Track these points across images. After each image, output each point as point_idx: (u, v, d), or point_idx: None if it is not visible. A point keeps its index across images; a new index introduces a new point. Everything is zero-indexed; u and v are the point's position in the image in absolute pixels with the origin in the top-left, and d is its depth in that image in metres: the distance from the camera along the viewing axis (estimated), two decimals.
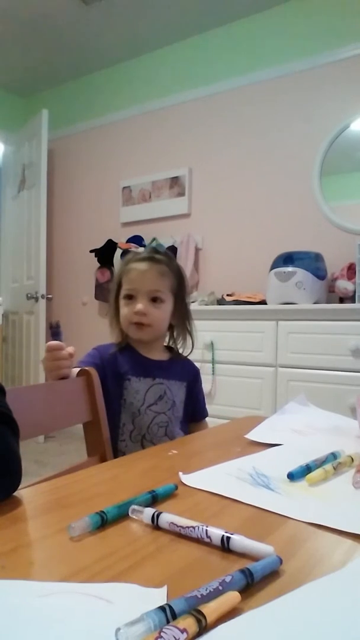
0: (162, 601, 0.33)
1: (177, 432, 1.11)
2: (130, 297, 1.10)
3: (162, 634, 0.29)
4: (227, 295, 2.64)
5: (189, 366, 1.21)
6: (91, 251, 3.41)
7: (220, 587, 0.34)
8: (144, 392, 1.09)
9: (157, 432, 1.09)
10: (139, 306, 1.07)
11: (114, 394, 1.08)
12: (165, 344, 1.21)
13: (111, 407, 1.07)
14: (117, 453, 1.07)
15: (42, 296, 3.34)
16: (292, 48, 2.74)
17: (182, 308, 1.16)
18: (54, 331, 0.98)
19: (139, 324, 1.09)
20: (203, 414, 1.23)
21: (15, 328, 3.63)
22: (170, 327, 1.18)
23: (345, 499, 0.57)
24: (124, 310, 1.11)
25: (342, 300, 2.37)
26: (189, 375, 1.19)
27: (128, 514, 0.49)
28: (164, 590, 0.36)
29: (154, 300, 1.09)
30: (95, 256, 3.39)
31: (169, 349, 1.20)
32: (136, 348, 1.15)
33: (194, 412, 1.19)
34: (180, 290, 1.15)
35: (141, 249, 3.10)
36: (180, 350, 1.20)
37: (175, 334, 1.19)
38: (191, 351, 1.20)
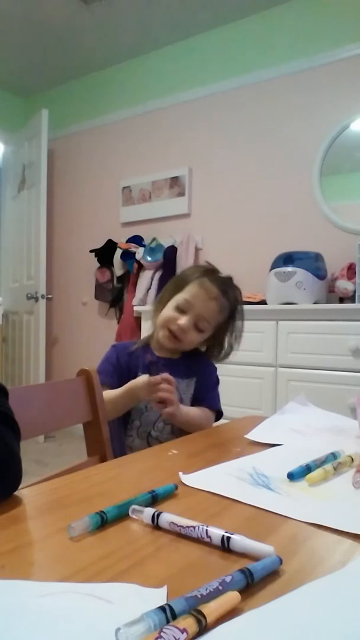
0: (162, 601, 0.33)
1: (183, 430, 1.11)
2: (180, 308, 1.10)
3: (162, 634, 0.29)
4: None
5: (201, 361, 1.20)
6: (91, 251, 3.41)
7: (220, 587, 0.34)
8: None
9: (163, 429, 1.10)
10: (183, 322, 1.08)
11: None
12: None
13: None
14: (124, 449, 1.08)
15: (42, 296, 3.34)
16: (292, 48, 2.74)
17: (216, 339, 1.17)
18: (154, 369, 0.99)
19: (172, 333, 1.09)
20: (207, 402, 1.15)
21: (15, 328, 3.63)
22: None
23: (345, 499, 0.56)
24: (170, 313, 1.10)
25: (342, 300, 2.37)
26: (199, 369, 1.18)
27: (128, 514, 0.49)
28: (164, 590, 0.36)
29: (198, 325, 1.10)
30: (95, 256, 3.39)
31: None
32: (152, 347, 1.16)
33: (200, 400, 1.15)
34: (223, 327, 1.16)
35: (141, 249, 3.09)
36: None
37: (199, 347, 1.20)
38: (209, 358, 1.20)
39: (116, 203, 3.43)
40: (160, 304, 1.15)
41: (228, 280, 1.15)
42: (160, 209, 3.21)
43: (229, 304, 1.13)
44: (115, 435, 1.09)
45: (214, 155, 3.02)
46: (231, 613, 0.33)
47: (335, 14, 2.61)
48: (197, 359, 1.19)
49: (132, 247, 3.17)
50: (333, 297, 2.41)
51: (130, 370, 1.12)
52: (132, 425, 1.11)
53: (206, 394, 1.16)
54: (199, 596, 0.33)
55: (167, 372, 1.12)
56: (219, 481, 0.60)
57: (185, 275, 1.15)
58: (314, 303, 2.27)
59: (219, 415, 1.17)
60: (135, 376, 1.10)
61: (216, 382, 1.21)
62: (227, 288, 1.13)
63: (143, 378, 1.00)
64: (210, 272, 1.15)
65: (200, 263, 3.02)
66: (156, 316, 1.15)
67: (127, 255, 3.17)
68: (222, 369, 2.47)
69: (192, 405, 1.15)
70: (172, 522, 0.46)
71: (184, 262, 2.93)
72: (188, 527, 0.45)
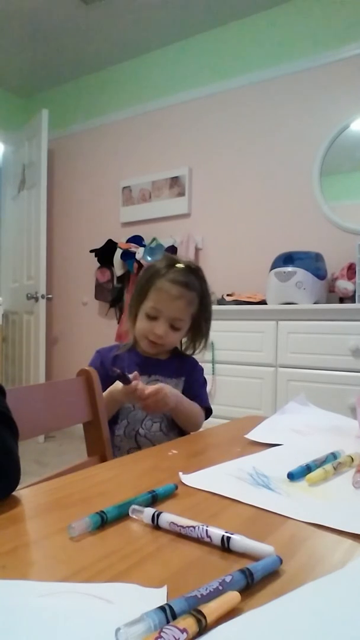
0: (162, 601, 0.33)
1: (172, 428, 1.12)
2: (151, 316, 1.10)
3: (162, 634, 0.29)
4: (227, 295, 2.64)
5: (189, 362, 1.21)
6: (91, 251, 3.41)
7: (220, 587, 0.34)
8: None
9: (151, 427, 1.11)
10: (159, 331, 1.09)
11: None
12: None
13: None
14: (113, 449, 1.08)
15: (42, 296, 3.34)
16: (292, 48, 2.74)
17: (196, 329, 1.17)
18: (123, 380, 0.99)
19: (153, 342, 1.11)
20: (197, 400, 1.15)
21: (15, 328, 3.63)
22: None
23: (345, 499, 0.56)
24: (143, 324, 1.11)
25: (342, 300, 2.37)
26: (188, 369, 1.19)
27: (128, 514, 0.49)
28: (164, 590, 0.36)
29: (173, 325, 1.10)
30: (96, 256, 3.39)
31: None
32: (139, 349, 1.17)
33: (190, 398, 1.15)
34: (199, 315, 1.15)
35: (141, 249, 3.09)
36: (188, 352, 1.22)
37: (183, 343, 1.21)
38: (193, 353, 1.21)
39: (116, 203, 3.43)
40: (131, 315, 1.16)
41: (187, 271, 1.12)
42: (160, 209, 3.21)
43: (195, 294, 1.12)
44: None
45: (214, 155, 3.02)
46: (231, 613, 0.33)
47: (335, 14, 2.61)
48: (185, 359, 1.20)
49: (132, 247, 3.17)
50: (333, 297, 2.41)
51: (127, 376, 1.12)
52: (119, 424, 1.11)
53: (195, 392, 1.17)
54: (199, 596, 0.33)
55: (158, 371, 1.14)
56: (219, 481, 0.60)
57: (145, 281, 1.13)
58: (314, 303, 2.27)
59: (208, 413, 1.18)
60: None
61: (204, 381, 1.22)
62: (187, 280, 1.10)
63: (119, 384, 1.01)
64: (167, 269, 1.11)
65: (198, 264, 3.03)
66: (132, 327, 1.16)
67: (127, 255, 3.17)
68: (222, 369, 2.49)
69: None
70: (172, 522, 0.46)
71: None
72: (188, 527, 0.45)
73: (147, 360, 1.15)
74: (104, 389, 1.06)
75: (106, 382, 1.07)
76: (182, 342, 1.22)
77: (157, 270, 1.12)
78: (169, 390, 1.01)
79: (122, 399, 1.03)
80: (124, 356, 1.16)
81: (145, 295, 1.12)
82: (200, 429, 1.17)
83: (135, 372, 1.00)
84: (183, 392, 1.15)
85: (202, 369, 1.23)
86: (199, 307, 1.14)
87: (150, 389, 0.98)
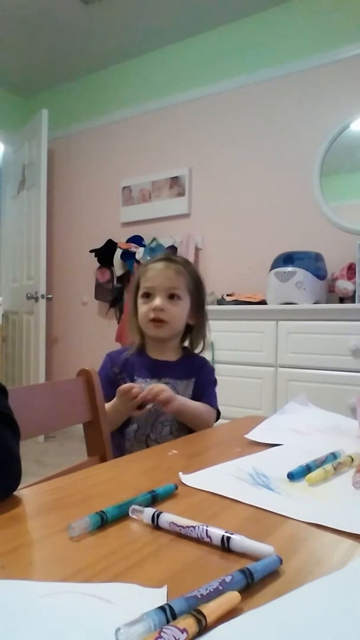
0: (162, 601, 0.33)
1: (182, 431, 1.11)
2: (148, 296, 1.12)
3: (162, 634, 0.29)
4: (227, 295, 2.64)
5: (199, 362, 1.20)
6: (91, 251, 3.41)
7: (220, 587, 0.34)
8: None
9: (161, 430, 1.10)
10: (157, 302, 1.09)
11: None
12: (183, 344, 1.22)
13: None
14: (124, 453, 1.08)
15: (42, 296, 3.34)
16: (292, 48, 2.74)
17: (200, 310, 1.18)
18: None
19: (157, 320, 1.10)
20: (206, 399, 1.14)
21: (15, 328, 3.63)
22: (187, 328, 1.19)
23: (345, 499, 0.56)
24: (143, 308, 1.12)
25: (342, 300, 2.37)
26: (197, 370, 1.17)
27: (128, 514, 0.49)
28: (164, 590, 0.36)
29: (171, 297, 1.11)
30: (95, 256, 3.39)
31: (183, 348, 1.21)
32: (148, 352, 1.16)
33: (199, 398, 1.14)
34: (198, 292, 1.17)
35: (141, 249, 3.10)
36: (197, 350, 1.21)
37: (193, 334, 1.20)
38: (202, 350, 1.21)
39: (116, 203, 3.43)
40: (134, 315, 1.17)
41: (166, 254, 1.21)
42: (160, 209, 3.21)
43: (181, 266, 1.15)
44: (112, 442, 1.08)
45: (214, 155, 3.02)
46: (231, 613, 0.33)
47: (335, 14, 2.61)
48: (194, 359, 1.19)
49: (132, 247, 3.17)
50: (333, 297, 2.41)
51: (125, 378, 1.11)
52: (129, 429, 1.10)
53: (204, 391, 1.16)
54: (199, 596, 0.33)
55: (168, 374, 1.13)
56: (219, 481, 0.60)
57: (135, 278, 1.19)
58: (314, 303, 2.27)
59: (217, 414, 1.16)
60: (132, 382, 1.10)
61: (214, 381, 1.21)
62: (168, 257, 1.17)
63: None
64: (149, 261, 1.19)
65: (198, 264, 3.03)
66: (137, 325, 1.16)
67: (127, 255, 3.17)
68: (222, 369, 2.48)
69: None
70: (172, 522, 0.46)
71: None
72: (188, 527, 0.45)
73: (157, 363, 1.14)
74: (114, 393, 1.05)
75: (117, 386, 1.07)
76: (190, 339, 1.21)
77: (142, 265, 1.20)
78: (166, 388, 1.01)
79: (119, 406, 1.02)
80: (133, 360, 1.15)
81: (138, 288, 1.15)
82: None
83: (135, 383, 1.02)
84: (193, 392, 1.15)
85: (213, 369, 1.22)
86: (194, 285, 1.15)
87: (146, 389, 0.99)
